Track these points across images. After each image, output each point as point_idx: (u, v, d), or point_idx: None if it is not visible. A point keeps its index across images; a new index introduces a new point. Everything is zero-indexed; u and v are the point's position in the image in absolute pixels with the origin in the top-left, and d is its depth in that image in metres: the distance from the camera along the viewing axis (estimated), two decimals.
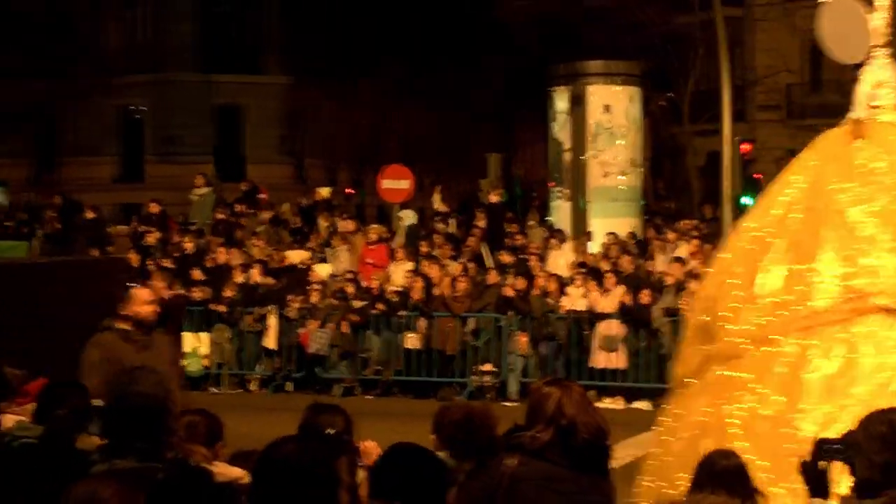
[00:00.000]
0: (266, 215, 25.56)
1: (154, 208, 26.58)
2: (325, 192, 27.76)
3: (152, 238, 23.93)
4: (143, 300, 8.52)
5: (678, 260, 20.26)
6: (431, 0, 53.99)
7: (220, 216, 25.76)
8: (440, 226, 24.28)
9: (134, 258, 21.50)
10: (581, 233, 23.44)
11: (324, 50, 46.74)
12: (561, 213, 24.87)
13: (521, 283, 19.72)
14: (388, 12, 48.98)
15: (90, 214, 25.03)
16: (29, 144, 44.91)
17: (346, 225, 23.79)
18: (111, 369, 7.36)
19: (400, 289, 20.34)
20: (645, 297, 18.76)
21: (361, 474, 5.46)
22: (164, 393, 5.13)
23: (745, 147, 35.84)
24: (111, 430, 5.10)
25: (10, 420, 6.28)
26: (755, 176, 33.89)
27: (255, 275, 21.06)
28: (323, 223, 24.39)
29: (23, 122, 43.06)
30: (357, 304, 20.09)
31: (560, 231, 22.98)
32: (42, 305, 11.80)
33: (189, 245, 22.81)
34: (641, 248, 22.43)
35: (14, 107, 41.79)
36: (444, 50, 51.19)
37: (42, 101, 42.22)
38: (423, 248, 21.99)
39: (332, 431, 5.74)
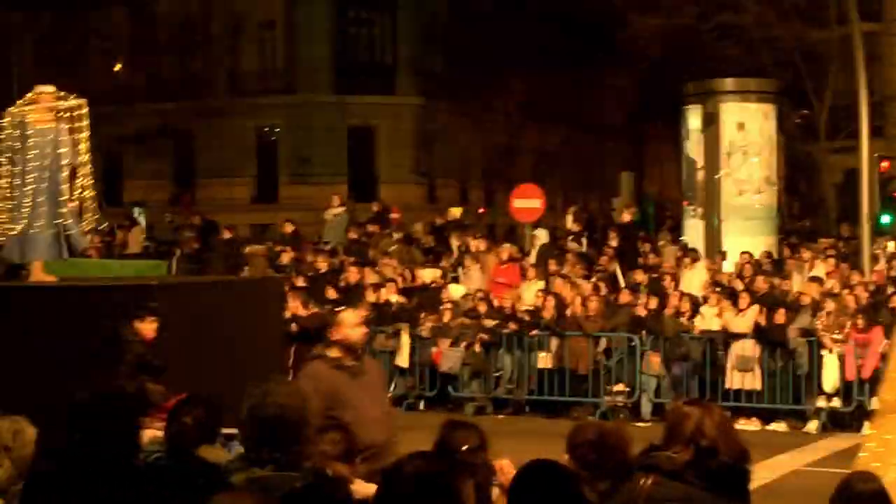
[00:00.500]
0: (398, 235, 25.77)
1: (288, 228, 27.00)
2: (456, 211, 27.92)
3: (287, 258, 24.28)
4: (352, 323, 7.91)
5: (815, 279, 19.94)
6: (562, 18, 54.00)
7: (353, 236, 26.06)
8: (572, 245, 24.22)
9: None
10: (715, 252, 23.19)
11: (455, 70, 46.97)
12: (694, 231, 24.64)
13: (653, 303, 19.58)
14: (519, 32, 49.03)
15: (226, 234, 25.46)
16: (167, 166, 45.86)
17: (478, 244, 23.85)
18: (325, 399, 7.34)
19: (532, 308, 20.31)
20: (780, 317, 18.46)
21: (496, 492, 5.46)
22: (300, 403, 5.18)
23: (884, 164, 35.12)
24: (249, 440, 5.17)
25: (147, 435, 6.40)
26: (893, 194, 33.17)
27: (388, 294, 21.21)
28: (455, 242, 24.51)
29: (161, 144, 44.01)
30: (489, 323, 20.11)
31: (693, 250, 22.76)
32: (208, 324, 11.86)
33: (322, 265, 23.07)
34: (777, 267, 22.12)
35: (153, 128, 42.79)
36: (575, 68, 51.14)
37: (180, 122, 43.10)
38: (555, 267, 21.94)
39: (466, 448, 5.76)
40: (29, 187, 12.50)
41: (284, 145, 44.84)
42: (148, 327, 10.80)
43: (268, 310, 13.53)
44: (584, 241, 25.04)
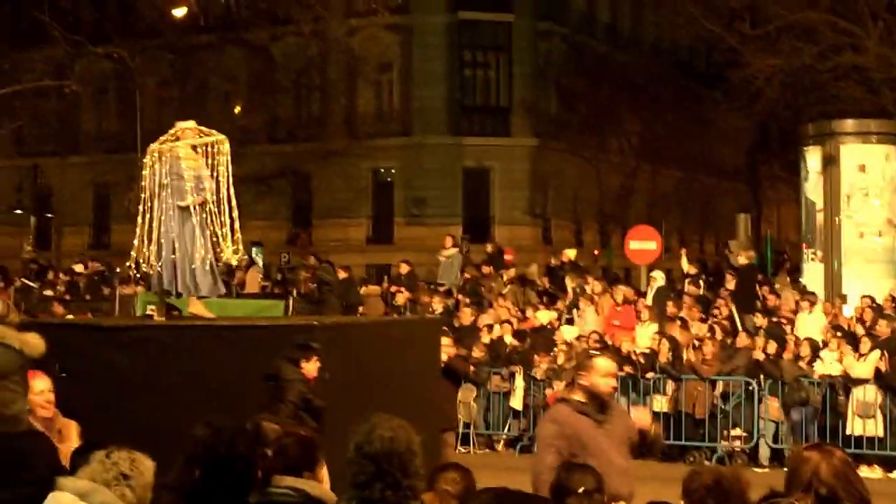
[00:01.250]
0: (513, 276, 25.75)
1: (403, 269, 27.13)
2: (571, 253, 27.81)
3: (402, 298, 24.40)
4: (604, 371, 7.60)
5: None
6: (678, 59, 53.82)
7: (468, 277, 26.09)
8: (689, 287, 23.97)
9: None
10: (835, 295, 22.80)
11: (570, 111, 47.03)
12: (813, 274, 24.30)
13: (772, 347, 19.29)
14: (634, 72, 48.98)
15: (342, 274, 25.65)
16: (285, 206, 46.44)
17: (593, 286, 23.75)
18: (568, 445, 7.26)
19: (647, 350, 20.13)
20: None
21: None
22: (408, 436, 5.16)
23: None
24: (357, 476, 5.15)
25: None
26: None
27: (502, 335, 21.19)
28: (570, 284, 24.41)
29: (279, 185, 44.59)
30: None
31: (812, 293, 22.40)
32: (366, 364, 11.90)
33: (437, 305, 23.13)
34: None
35: (271, 170, 43.39)
36: (691, 109, 50.89)
37: (297, 164, 43.63)
38: (672, 310, 21.74)
39: (583, 490, 5.72)
40: (175, 223, 12.68)
41: (400, 186, 45.16)
42: (310, 367, 10.96)
43: (424, 350, 13.53)
44: (700, 283, 24.77)
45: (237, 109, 46.10)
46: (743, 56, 35.92)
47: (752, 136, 52.58)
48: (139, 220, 13.05)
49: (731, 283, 23.53)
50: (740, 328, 21.07)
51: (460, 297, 24.47)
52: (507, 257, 27.60)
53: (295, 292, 25.87)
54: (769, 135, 52.20)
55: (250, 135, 43.29)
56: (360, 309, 23.54)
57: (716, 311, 22.09)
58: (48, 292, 25.30)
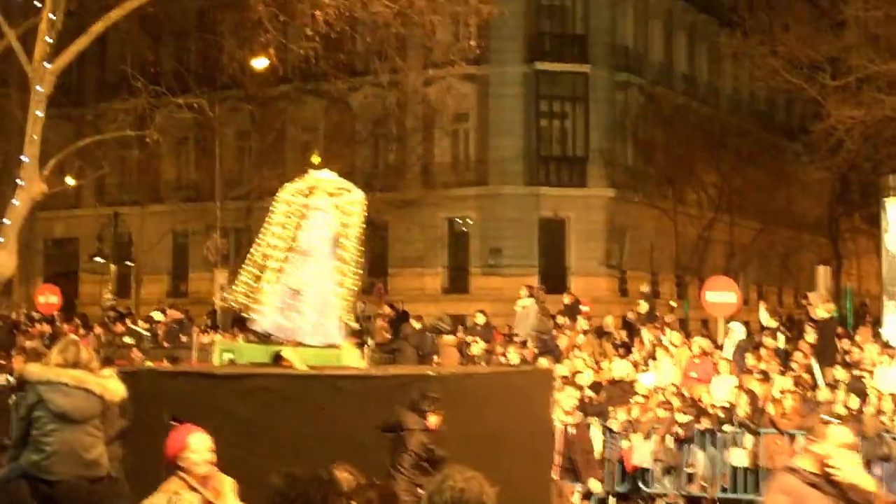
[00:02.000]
0: (588, 327, 25.62)
1: (480, 319, 27.11)
2: (642, 308, 27.60)
3: (477, 348, 24.36)
4: (840, 442, 7.06)
5: None
6: (756, 110, 53.55)
7: (543, 327, 25.97)
8: (768, 340, 23.68)
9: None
10: None
11: (647, 162, 46.90)
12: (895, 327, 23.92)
13: (853, 401, 18.98)
14: (711, 124, 48.80)
15: (417, 324, 25.66)
16: (361, 255, 46.56)
17: (671, 337, 23.56)
18: None
19: (726, 403, 19.89)
20: None
21: None
22: (479, 488, 5.12)
23: None
24: None
25: None
26: None
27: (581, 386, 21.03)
28: (647, 335, 24.23)
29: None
30: (681, 418, 19.76)
31: (894, 346, 22.04)
32: (481, 415, 11.89)
33: (512, 356, 23.06)
34: None
35: None
36: (769, 160, 50.53)
37: (374, 212, 43.80)
38: (750, 363, 21.48)
39: None
40: (302, 271, 12.60)
41: (476, 236, 45.21)
42: (430, 417, 10.96)
43: (536, 401, 13.47)
44: (779, 336, 24.46)
45: (315, 159, 46.28)
46: (824, 108, 35.63)
47: (832, 188, 52.10)
48: (256, 262, 12.81)
49: (810, 336, 23.22)
50: (820, 382, 20.77)
51: (535, 348, 24.36)
52: (584, 308, 27.45)
53: (370, 341, 25.92)
54: (850, 187, 51.71)
55: None
56: (436, 359, 23.51)
57: (795, 365, 21.80)
58: (128, 339, 25.54)
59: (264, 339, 13.19)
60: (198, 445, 7.26)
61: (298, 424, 11.49)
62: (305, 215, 12.88)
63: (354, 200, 13.15)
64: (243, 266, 12.90)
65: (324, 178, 13.14)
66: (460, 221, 46.22)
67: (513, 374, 16.26)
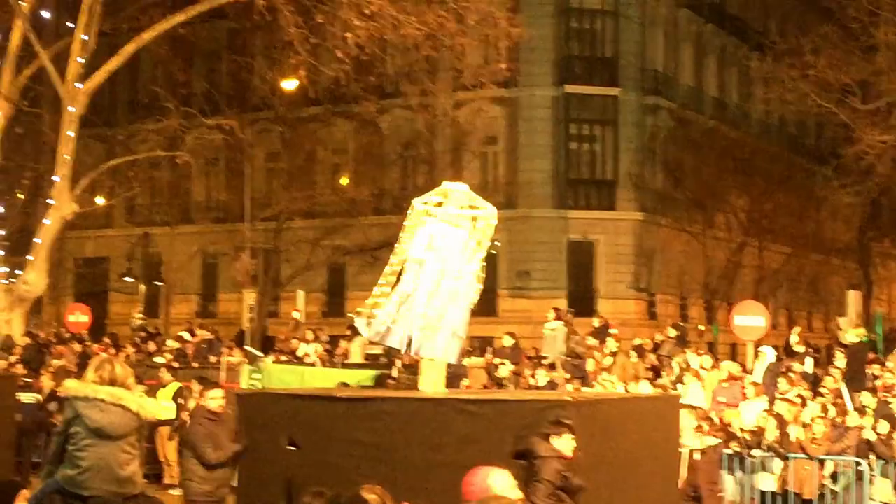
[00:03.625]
0: (617, 350, 25.56)
1: (507, 341, 27.08)
2: (671, 333, 27.54)
3: (505, 371, 24.33)
4: None
5: None
6: (787, 134, 53.44)
7: (571, 350, 25.95)
8: (797, 364, 23.59)
9: None
10: None
11: (676, 186, 46.82)
12: None
13: (883, 427, 18.85)
14: (741, 148, 48.71)
15: None
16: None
17: (699, 361, 23.48)
18: None
19: (754, 428, 19.80)
20: None
21: None
22: None
23: None
24: None
25: None
26: None
27: None
28: (674, 359, 24.16)
29: (384, 256, 44.77)
30: (709, 442, 19.65)
31: None
32: (615, 441, 11.45)
33: (540, 378, 23.02)
34: None
35: (377, 240, 43.64)
36: (799, 184, 50.38)
37: None
38: (779, 388, 21.38)
39: None
40: (427, 285, 12.15)
41: (504, 259, 45.14)
42: (564, 444, 10.39)
43: (665, 427, 13.07)
44: (809, 361, 24.36)
45: (344, 181, 46.58)
46: (854, 132, 35.54)
47: (862, 212, 51.90)
48: (386, 274, 12.40)
49: (840, 361, 23.11)
50: (850, 407, 20.65)
51: (563, 370, 24.32)
52: (613, 331, 27.40)
53: (399, 363, 25.92)
54: (880, 211, 51.51)
55: (357, 206, 43.74)
56: (463, 381, 23.49)
57: (824, 390, 21.69)
58: (158, 359, 25.63)
59: (371, 359, 12.72)
60: (502, 485, 6.73)
61: (423, 451, 11.02)
62: (437, 227, 12.28)
63: (487, 215, 12.55)
64: (378, 282, 12.42)
65: (456, 191, 12.59)
66: (490, 244, 46.15)
67: (643, 400, 15.34)
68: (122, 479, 8.75)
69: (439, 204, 12.44)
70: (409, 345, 12.01)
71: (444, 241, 12.18)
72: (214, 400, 12.80)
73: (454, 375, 23.65)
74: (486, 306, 45.67)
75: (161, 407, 18.85)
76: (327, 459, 11.10)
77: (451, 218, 12.36)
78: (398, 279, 12.21)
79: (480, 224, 12.56)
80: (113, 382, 8.81)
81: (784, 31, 47.63)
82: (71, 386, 8.93)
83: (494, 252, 46.05)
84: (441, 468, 10.59)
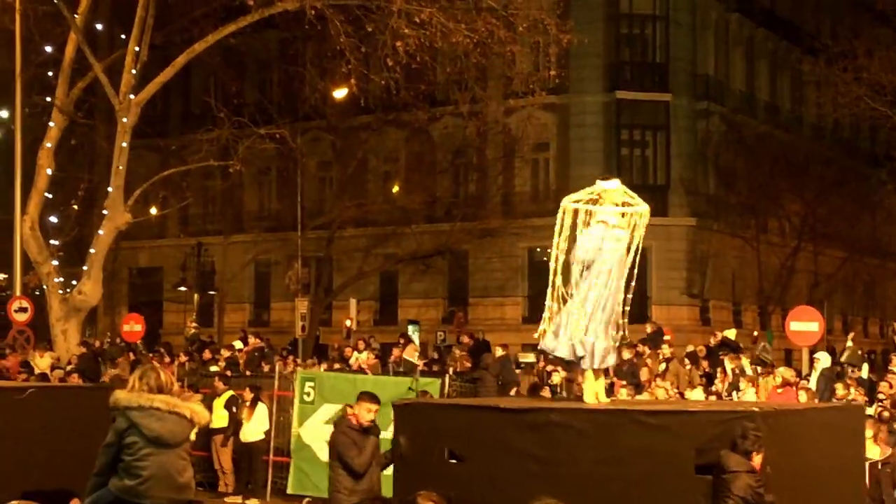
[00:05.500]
0: (670, 356, 25.44)
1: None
2: (730, 333, 27.36)
3: (558, 377, 24.24)
4: None
5: None
6: (840, 138, 52.99)
7: (625, 357, 25.81)
8: (852, 370, 23.38)
9: None
10: None
11: (728, 190, 46.57)
12: None
13: None
14: (794, 151, 48.38)
15: (500, 352, 25.61)
16: (441, 285, 46.70)
17: (754, 367, 23.33)
18: None
19: None
20: None
21: None
22: None
23: None
24: None
25: None
26: None
27: None
28: (729, 365, 24.01)
29: (436, 264, 44.89)
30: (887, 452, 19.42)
31: None
32: (801, 454, 10.88)
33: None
34: None
35: (428, 248, 43.76)
36: (854, 188, 49.94)
37: (454, 242, 43.92)
38: (842, 392, 21.18)
39: None
40: (589, 290, 11.71)
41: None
42: (757, 459, 9.78)
43: (851, 439, 12.37)
44: (865, 366, 24.14)
45: (396, 189, 46.68)
46: None
47: None
48: (553, 282, 11.99)
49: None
50: None
51: (616, 378, 24.20)
52: (666, 337, 27.26)
53: (451, 370, 25.92)
54: None
55: (408, 214, 43.81)
56: (515, 389, 23.46)
57: (881, 395, 21.46)
58: (213, 368, 25.77)
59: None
60: None
61: (593, 464, 10.45)
62: (593, 228, 11.74)
63: (641, 213, 12.00)
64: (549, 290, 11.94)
65: (611, 189, 12.09)
66: (540, 251, 46.11)
67: (829, 411, 14.34)
68: (181, 485, 8.82)
69: (593, 203, 11.98)
70: (573, 354, 11.60)
71: (605, 244, 11.78)
72: (370, 413, 12.67)
73: (507, 384, 23.67)
74: (537, 314, 45.67)
75: (206, 413, 18.89)
76: (491, 472, 10.74)
77: (608, 217, 11.83)
78: (553, 283, 11.76)
79: (635, 221, 12.01)
80: (161, 390, 8.85)
81: (836, 34, 47.23)
82: (122, 396, 8.89)
83: (546, 259, 46.18)
84: (612, 482, 10.25)
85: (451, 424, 11.50)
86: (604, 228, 11.77)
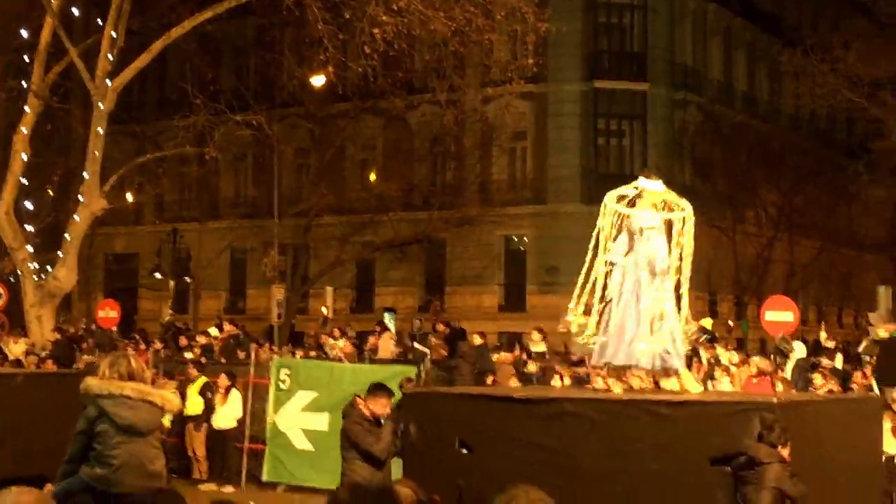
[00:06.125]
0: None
1: (536, 337, 27.00)
2: (706, 323, 27.38)
3: (534, 367, 24.26)
4: None
5: None
6: (817, 129, 53.13)
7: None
8: (826, 361, 23.44)
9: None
10: None
11: (705, 181, 46.62)
12: None
13: None
14: (771, 142, 48.48)
15: (478, 341, 25.57)
16: (418, 273, 46.68)
17: (730, 357, 23.36)
18: None
19: None
20: None
21: None
22: None
23: None
24: None
25: None
26: None
27: None
28: (704, 355, 24.03)
29: (413, 252, 44.88)
30: None
31: None
32: (819, 446, 10.91)
33: (570, 377, 22.91)
34: None
35: (405, 237, 43.72)
36: (830, 179, 50.10)
37: (431, 231, 43.90)
38: (818, 382, 21.21)
39: None
40: (634, 288, 11.65)
41: (533, 254, 45.11)
42: (784, 452, 9.77)
43: (868, 431, 12.42)
44: (838, 356, 24.20)
45: (373, 177, 46.61)
46: (885, 126, 35.34)
47: (894, 206, 51.57)
48: (581, 281, 11.84)
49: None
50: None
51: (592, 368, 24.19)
52: None
53: (427, 359, 25.88)
54: None
55: (386, 202, 43.75)
56: (491, 377, 23.41)
57: (854, 386, 21.54)
58: (188, 355, 25.67)
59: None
60: None
61: (607, 457, 10.45)
62: (636, 227, 11.79)
63: (685, 216, 11.97)
64: (577, 288, 11.85)
65: (651, 190, 12.03)
66: (517, 239, 46.15)
67: (847, 402, 14.45)
68: (152, 473, 8.77)
69: (632, 203, 11.89)
70: (602, 352, 11.50)
71: (644, 245, 11.67)
72: (386, 408, 12.17)
73: (483, 372, 23.62)
74: (514, 302, 45.79)
75: (178, 400, 18.82)
76: (501, 463, 10.63)
77: (647, 219, 11.72)
78: (586, 280, 11.65)
79: (679, 225, 12.01)
80: (132, 377, 8.78)
81: (814, 25, 47.37)
82: (93, 384, 8.79)
83: (522, 248, 46.17)
84: (625, 474, 10.21)
85: (462, 414, 11.43)
86: (637, 230, 11.71)
